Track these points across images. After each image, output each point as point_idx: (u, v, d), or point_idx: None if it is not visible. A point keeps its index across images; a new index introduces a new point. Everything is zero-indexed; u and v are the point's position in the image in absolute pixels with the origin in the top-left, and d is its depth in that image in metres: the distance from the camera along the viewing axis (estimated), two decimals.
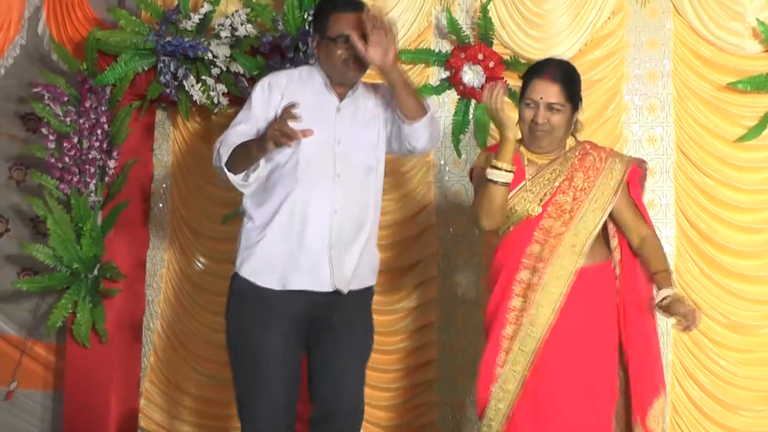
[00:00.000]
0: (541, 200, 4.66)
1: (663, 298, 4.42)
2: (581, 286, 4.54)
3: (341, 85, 4.74)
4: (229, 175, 4.51)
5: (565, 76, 4.64)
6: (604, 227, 4.69)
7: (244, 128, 4.59)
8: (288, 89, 4.67)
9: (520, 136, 4.69)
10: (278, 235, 4.59)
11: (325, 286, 4.62)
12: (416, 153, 4.96)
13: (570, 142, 4.74)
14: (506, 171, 4.50)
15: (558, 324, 4.52)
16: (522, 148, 4.70)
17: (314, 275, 4.61)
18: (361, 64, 4.65)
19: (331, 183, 4.64)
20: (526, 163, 4.70)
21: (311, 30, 4.90)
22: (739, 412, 5.99)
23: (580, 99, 4.67)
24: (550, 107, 4.57)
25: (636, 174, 4.68)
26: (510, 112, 4.59)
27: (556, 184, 4.65)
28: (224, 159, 4.49)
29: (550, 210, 4.63)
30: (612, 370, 4.60)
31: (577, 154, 4.69)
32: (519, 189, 4.66)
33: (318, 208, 4.62)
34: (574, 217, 4.59)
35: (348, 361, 4.72)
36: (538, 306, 4.54)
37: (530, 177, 4.69)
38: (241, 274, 4.63)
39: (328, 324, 4.67)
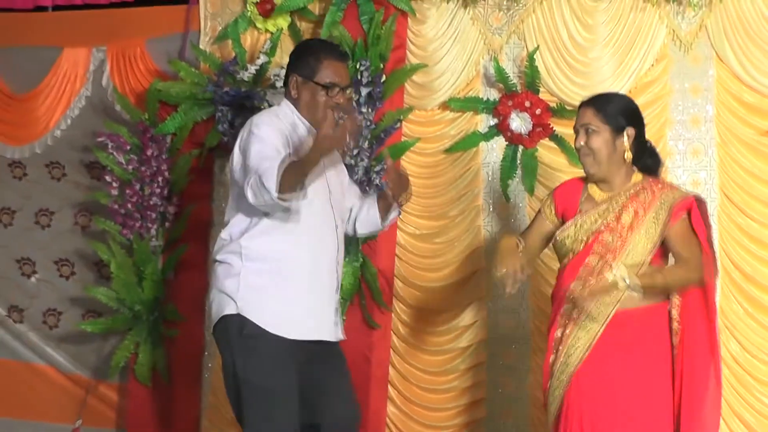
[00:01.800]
0: (588, 237, 4.60)
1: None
2: (618, 326, 4.47)
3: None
4: (279, 200, 4.27)
5: (600, 100, 4.67)
6: None
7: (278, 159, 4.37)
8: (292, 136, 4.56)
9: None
10: (290, 284, 4.52)
11: (331, 335, 4.66)
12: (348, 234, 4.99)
13: (636, 178, 4.64)
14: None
15: (590, 358, 4.49)
16: (589, 184, 4.70)
17: (325, 327, 4.64)
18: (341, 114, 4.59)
19: (333, 233, 4.66)
20: (583, 198, 4.69)
21: (289, 67, 4.71)
22: None
23: (624, 124, 4.58)
24: (586, 129, 4.59)
25: (685, 206, 4.53)
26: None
27: (606, 221, 4.58)
28: (275, 187, 4.22)
29: (596, 248, 4.56)
30: (657, 411, 4.49)
31: (631, 191, 4.60)
32: (570, 224, 4.66)
33: (328, 260, 4.63)
34: (617, 257, 4.50)
35: (345, 380, 4.77)
36: (575, 339, 4.52)
37: (583, 212, 4.66)
38: (248, 317, 4.45)
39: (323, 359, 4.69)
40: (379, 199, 4.90)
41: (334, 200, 4.63)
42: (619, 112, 4.61)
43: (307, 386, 4.58)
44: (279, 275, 4.51)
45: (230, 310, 4.49)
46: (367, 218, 4.88)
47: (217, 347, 4.67)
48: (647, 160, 4.69)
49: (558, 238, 4.68)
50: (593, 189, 4.67)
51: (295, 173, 4.25)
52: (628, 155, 4.59)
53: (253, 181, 4.31)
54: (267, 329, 4.47)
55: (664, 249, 4.57)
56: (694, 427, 4.46)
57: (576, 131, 4.64)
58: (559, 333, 4.61)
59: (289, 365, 4.54)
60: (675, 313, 4.56)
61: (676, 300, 4.57)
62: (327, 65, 4.63)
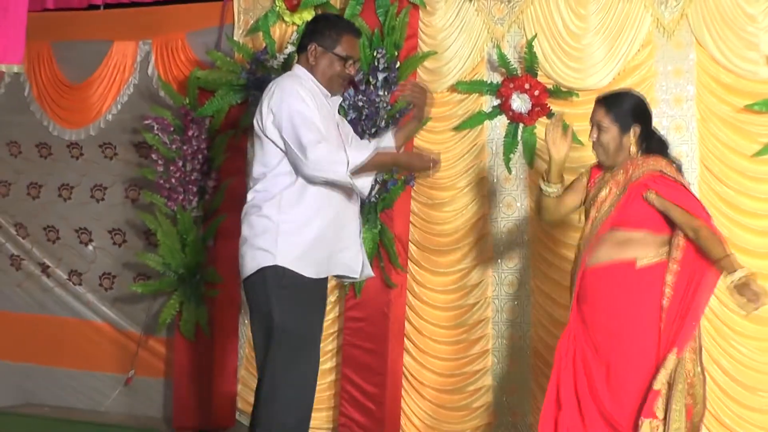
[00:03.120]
0: (590, 209, 4.72)
1: (739, 278, 4.26)
2: (593, 279, 4.59)
3: (329, 93, 4.76)
4: (349, 180, 4.47)
5: (611, 99, 4.70)
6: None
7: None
8: (315, 99, 4.62)
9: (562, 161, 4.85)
10: (323, 232, 4.57)
11: (355, 273, 4.81)
12: None
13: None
14: (550, 185, 4.80)
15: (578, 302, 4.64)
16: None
17: (356, 264, 4.79)
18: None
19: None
20: (599, 178, 4.78)
21: (308, 36, 4.75)
22: (758, 393, 5.89)
23: (631, 122, 4.62)
24: (598, 126, 4.66)
25: (652, 179, 4.52)
26: (560, 143, 4.78)
27: (598, 196, 4.67)
28: (349, 170, 4.43)
29: (591, 214, 4.69)
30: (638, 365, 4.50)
31: (617, 169, 4.66)
32: (588, 195, 4.80)
33: (352, 207, 4.74)
34: (592, 225, 4.66)
35: None
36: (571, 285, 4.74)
37: (592, 189, 4.79)
38: (288, 267, 4.47)
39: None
40: (397, 132, 5.00)
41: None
42: (627, 111, 4.65)
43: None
44: (313, 226, 4.54)
45: (268, 261, 4.49)
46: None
47: (249, 297, 4.66)
48: (654, 145, 4.69)
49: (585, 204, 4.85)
50: (607, 171, 4.73)
51: (374, 167, 4.55)
52: (633, 150, 4.64)
53: (316, 157, 4.41)
54: (304, 274, 4.51)
55: (668, 220, 4.54)
56: None
57: (590, 124, 4.71)
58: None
59: (319, 310, 4.73)
60: (669, 278, 4.51)
61: (673, 266, 4.51)
62: (346, 40, 4.71)
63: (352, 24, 4.97)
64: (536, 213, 5.13)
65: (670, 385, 4.39)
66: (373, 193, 6.30)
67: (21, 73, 7.56)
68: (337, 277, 4.83)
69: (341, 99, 5.00)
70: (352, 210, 4.77)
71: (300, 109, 4.48)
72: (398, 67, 6.39)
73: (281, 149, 4.53)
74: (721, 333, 5.95)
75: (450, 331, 6.54)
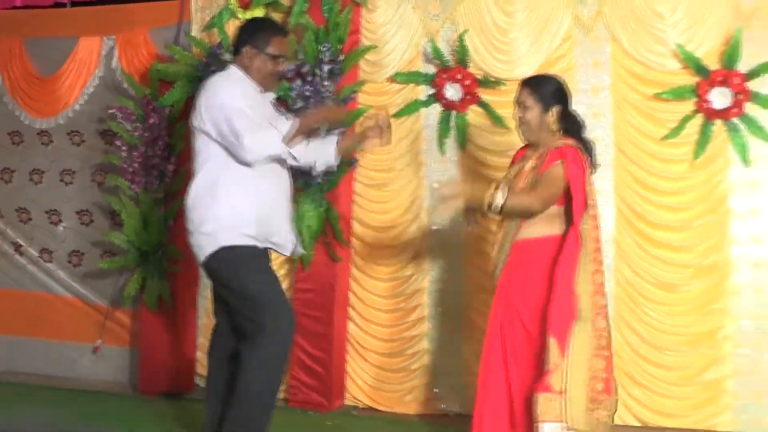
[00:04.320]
0: (516, 183, 4.66)
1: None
2: (515, 254, 4.61)
3: (262, 91, 4.83)
4: (286, 149, 4.61)
5: (534, 81, 4.72)
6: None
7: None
8: (247, 96, 4.71)
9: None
10: (265, 211, 4.68)
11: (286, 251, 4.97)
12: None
13: (554, 139, 4.64)
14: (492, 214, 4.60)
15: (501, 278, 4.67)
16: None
17: (291, 242, 4.93)
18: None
19: (285, 165, 4.86)
20: (523, 157, 4.78)
21: (242, 40, 4.83)
22: (665, 352, 5.97)
23: (552, 102, 4.62)
24: (523, 106, 4.65)
25: (555, 156, 4.51)
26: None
27: (524, 169, 4.67)
28: (285, 143, 4.57)
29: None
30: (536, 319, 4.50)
31: (539, 149, 4.66)
32: (508, 173, 4.80)
33: (285, 188, 4.84)
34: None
35: None
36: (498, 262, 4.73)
37: (515, 164, 4.80)
38: (242, 244, 4.61)
39: None
40: (342, 140, 5.11)
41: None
42: (548, 92, 4.64)
43: None
44: (248, 209, 4.63)
45: (214, 246, 4.61)
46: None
47: (213, 278, 4.79)
48: (571, 126, 4.70)
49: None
50: (530, 150, 4.73)
51: (304, 130, 4.70)
52: (554, 127, 4.63)
53: (252, 140, 4.51)
54: (248, 245, 4.62)
55: (567, 194, 4.53)
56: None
57: (515, 104, 4.70)
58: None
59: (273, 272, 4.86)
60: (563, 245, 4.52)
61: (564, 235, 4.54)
62: (276, 40, 4.81)
63: (280, 25, 5.11)
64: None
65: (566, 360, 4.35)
66: (320, 175, 6.30)
67: None
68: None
69: (274, 96, 5.04)
70: (284, 195, 4.86)
71: (232, 103, 4.58)
72: (342, 60, 6.38)
73: (217, 142, 4.61)
74: (634, 299, 6.02)
75: (390, 300, 6.56)
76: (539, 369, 4.40)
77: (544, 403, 4.30)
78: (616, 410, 4.57)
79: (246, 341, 4.68)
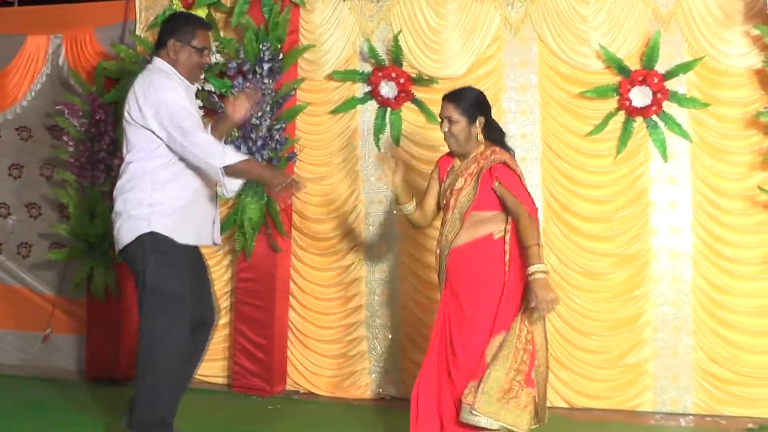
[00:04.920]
0: (449, 197, 4.67)
1: (530, 273, 4.33)
2: (457, 257, 4.58)
3: (189, 84, 4.75)
4: (227, 179, 4.51)
5: (457, 96, 4.65)
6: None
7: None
8: (182, 90, 4.62)
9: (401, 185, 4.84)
10: (190, 202, 4.60)
11: (215, 240, 4.86)
12: None
13: (479, 149, 4.64)
14: (405, 206, 4.86)
15: (447, 278, 4.62)
16: (455, 157, 4.74)
17: (211, 233, 4.82)
18: None
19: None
20: (450, 168, 4.75)
21: (167, 33, 4.69)
22: (590, 337, 6.05)
23: (476, 114, 4.60)
24: (449, 120, 4.62)
25: (491, 174, 4.52)
26: (395, 173, 4.81)
27: (455, 186, 4.65)
28: (228, 163, 4.43)
29: (452, 203, 4.63)
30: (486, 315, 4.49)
31: (470, 162, 4.64)
32: (442, 187, 4.79)
33: (211, 182, 4.69)
34: (454, 209, 4.61)
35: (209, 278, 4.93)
36: (439, 266, 4.68)
37: (447, 179, 4.76)
38: (161, 233, 4.50)
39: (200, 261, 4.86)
40: (215, 125, 4.92)
41: None
42: (472, 105, 4.62)
43: (195, 285, 4.70)
44: (182, 199, 4.57)
45: (144, 228, 4.51)
46: None
47: (129, 263, 4.66)
48: (494, 134, 4.69)
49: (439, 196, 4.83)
50: (457, 161, 4.72)
51: (243, 173, 4.57)
52: (480, 137, 4.63)
53: (196, 142, 4.43)
54: (176, 239, 4.54)
55: (501, 200, 4.53)
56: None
57: (441, 119, 4.67)
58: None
59: (191, 271, 4.66)
60: (507, 247, 4.52)
61: (507, 236, 4.52)
62: (201, 33, 4.73)
63: (203, 19, 5.00)
64: (412, 228, 5.15)
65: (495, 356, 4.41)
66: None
67: None
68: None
69: (197, 88, 4.95)
70: (212, 186, 4.78)
71: (175, 100, 4.50)
72: (281, 58, 6.36)
73: (158, 136, 4.51)
74: (561, 287, 6.05)
75: (329, 289, 6.56)
76: (475, 357, 4.44)
77: (469, 388, 4.37)
78: (538, 406, 4.51)
79: (142, 339, 4.58)
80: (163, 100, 4.49)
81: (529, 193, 4.53)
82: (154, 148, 4.53)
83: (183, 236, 4.58)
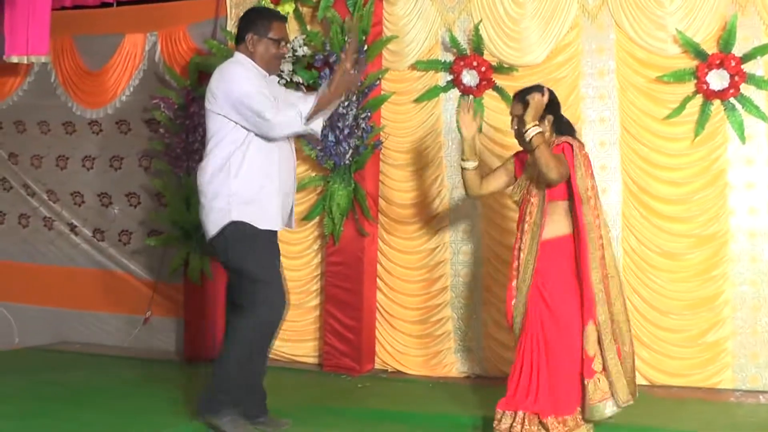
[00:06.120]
0: (526, 188, 4.72)
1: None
2: (545, 251, 4.58)
3: (266, 74, 4.80)
4: (306, 127, 4.59)
5: (526, 95, 4.63)
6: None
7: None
8: (257, 78, 4.68)
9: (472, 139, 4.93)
10: (269, 188, 4.64)
11: (293, 225, 4.94)
12: None
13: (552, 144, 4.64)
14: (466, 161, 4.89)
15: (536, 270, 4.60)
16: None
17: (290, 219, 4.88)
18: None
19: (289, 144, 4.82)
20: (527, 164, 4.74)
21: (244, 28, 4.76)
22: (670, 316, 6.01)
23: (544, 113, 4.59)
24: (518, 118, 4.64)
25: (562, 145, 4.56)
26: (470, 124, 4.92)
27: (533, 176, 4.68)
28: (305, 115, 4.55)
29: (530, 193, 4.69)
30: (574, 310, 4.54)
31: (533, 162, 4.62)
32: (519, 180, 4.80)
33: (289, 167, 4.78)
34: (529, 203, 4.66)
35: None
36: (527, 254, 4.63)
37: (523, 173, 4.79)
38: (245, 221, 4.58)
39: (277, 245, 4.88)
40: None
41: None
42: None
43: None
44: (258, 184, 4.62)
45: (226, 219, 4.60)
46: None
47: (219, 252, 4.75)
48: (564, 129, 4.71)
49: (515, 188, 4.84)
50: (531, 158, 4.66)
51: (322, 107, 4.60)
52: (548, 135, 4.63)
53: (275, 118, 4.50)
54: (257, 226, 4.61)
55: (569, 188, 4.56)
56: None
57: (511, 116, 4.70)
58: (519, 245, 4.69)
59: (275, 255, 4.77)
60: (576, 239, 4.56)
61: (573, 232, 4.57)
62: (276, 26, 4.78)
63: (277, 12, 5.08)
64: (463, 189, 5.07)
65: (600, 343, 4.48)
66: (347, 156, 6.37)
67: (48, 63, 7.66)
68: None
69: (277, 78, 5.01)
70: (292, 176, 4.83)
71: (249, 86, 4.57)
72: (366, 50, 6.39)
73: (234, 122, 4.59)
74: (640, 267, 6.05)
75: (415, 272, 6.60)
76: (571, 353, 4.51)
77: (593, 386, 4.45)
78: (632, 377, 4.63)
79: (237, 314, 4.69)
80: (237, 87, 4.57)
81: (575, 171, 4.53)
82: (229, 133, 4.60)
83: (264, 222, 4.64)
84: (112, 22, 7.64)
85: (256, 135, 4.59)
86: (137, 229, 7.53)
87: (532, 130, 4.46)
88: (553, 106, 4.66)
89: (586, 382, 4.46)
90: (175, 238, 6.99)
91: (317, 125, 4.66)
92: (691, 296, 5.98)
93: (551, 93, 4.66)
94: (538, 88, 4.65)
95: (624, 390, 4.50)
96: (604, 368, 4.48)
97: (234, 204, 4.58)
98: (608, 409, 4.47)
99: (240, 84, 4.58)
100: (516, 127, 4.66)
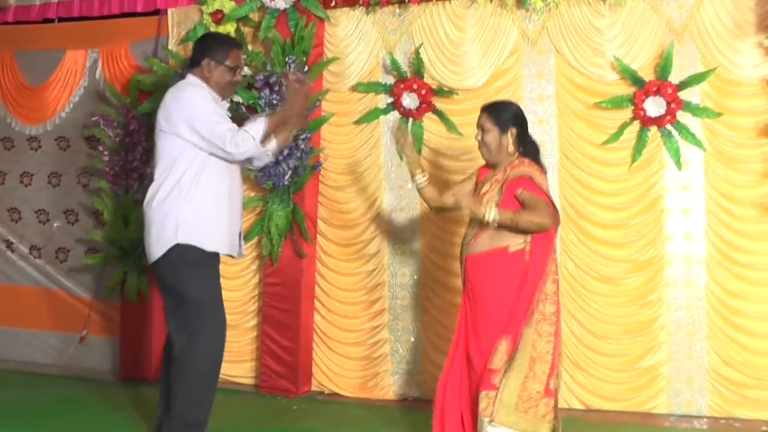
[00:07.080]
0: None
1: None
2: (474, 265, 4.51)
3: (219, 99, 4.75)
4: (263, 149, 4.55)
5: (493, 107, 4.64)
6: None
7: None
8: (212, 101, 4.64)
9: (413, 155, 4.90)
10: (219, 212, 4.54)
11: (240, 252, 4.83)
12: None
13: (513, 160, 4.56)
14: (418, 178, 4.88)
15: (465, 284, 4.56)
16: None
17: (238, 245, 4.78)
18: None
19: (238, 170, 4.75)
20: (485, 177, 4.66)
21: (201, 53, 4.72)
22: (606, 341, 5.93)
23: (508, 125, 4.54)
24: (482, 128, 4.58)
25: (516, 184, 4.42)
26: (408, 146, 4.87)
27: (481, 191, 4.59)
28: (258, 139, 4.50)
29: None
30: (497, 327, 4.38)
31: (498, 170, 4.57)
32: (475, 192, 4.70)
33: (238, 193, 4.74)
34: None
35: None
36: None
37: (480, 185, 4.68)
38: (193, 244, 4.47)
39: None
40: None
41: None
42: (505, 116, 4.57)
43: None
44: (208, 208, 4.52)
45: (172, 242, 4.48)
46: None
47: (160, 276, 4.63)
48: (529, 149, 4.63)
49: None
50: (490, 172, 4.64)
51: (273, 129, 4.58)
52: (511, 148, 4.56)
53: (232, 139, 4.45)
54: (205, 249, 4.50)
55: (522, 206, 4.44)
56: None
57: (477, 127, 4.63)
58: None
59: (217, 276, 4.66)
60: (527, 258, 4.41)
61: (528, 248, 4.41)
62: (233, 53, 4.74)
63: (235, 39, 5.06)
64: (429, 210, 5.10)
65: (510, 361, 4.30)
66: (286, 177, 6.24)
67: None
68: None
69: (228, 104, 4.89)
70: (239, 200, 4.77)
71: (207, 108, 4.53)
72: (307, 71, 6.29)
73: (193, 143, 4.49)
74: (578, 292, 5.98)
75: (352, 294, 6.48)
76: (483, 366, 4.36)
77: (486, 399, 4.26)
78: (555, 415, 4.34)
79: (181, 346, 4.54)
80: (194, 109, 4.49)
81: (554, 204, 4.44)
82: (183, 155, 4.50)
83: (211, 245, 4.53)
84: (53, 38, 7.44)
85: (212, 157, 4.51)
86: (75, 247, 7.33)
87: (488, 215, 4.34)
88: (518, 120, 4.60)
89: (485, 393, 4.28)
90: (113, 256, 6.82)
91: (272, 146, 4.61)
92: (628, 321, 5.90)
93: (518, 108, 4.67)
94: (506, 103, 4.72)
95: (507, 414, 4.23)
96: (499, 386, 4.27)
97: (182, 226, 4.46)
98: (485, 426, 4.22)
99: (201, 107, 4.51)
100: (479, 138, 4.60)
